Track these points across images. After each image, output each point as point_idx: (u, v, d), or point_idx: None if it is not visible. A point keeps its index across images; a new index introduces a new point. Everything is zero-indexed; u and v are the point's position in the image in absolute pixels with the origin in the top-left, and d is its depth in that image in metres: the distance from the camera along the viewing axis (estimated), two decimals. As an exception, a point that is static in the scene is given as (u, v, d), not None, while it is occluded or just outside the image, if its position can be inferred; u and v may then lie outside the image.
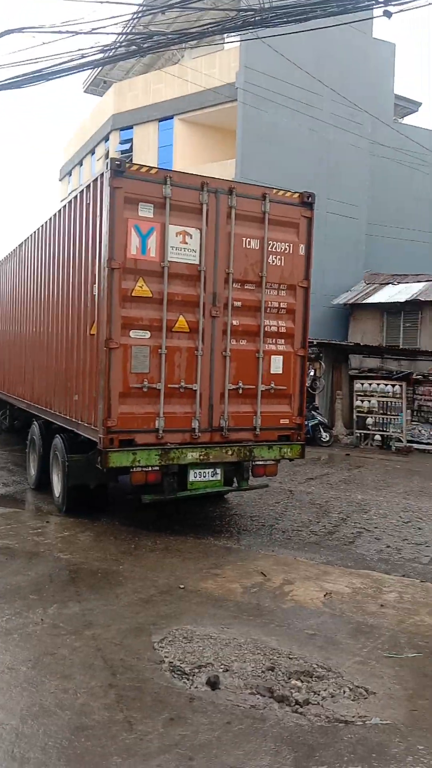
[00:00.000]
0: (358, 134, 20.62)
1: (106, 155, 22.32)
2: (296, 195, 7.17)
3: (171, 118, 20.99)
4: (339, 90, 18.76)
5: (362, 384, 15.80)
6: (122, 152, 22.02)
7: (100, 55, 8.48)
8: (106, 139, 23.37)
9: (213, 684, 3.86)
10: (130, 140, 22.37)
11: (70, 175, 28.69)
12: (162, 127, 21.27)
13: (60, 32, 7.85)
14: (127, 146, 22.43)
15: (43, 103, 69.73)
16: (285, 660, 4.21)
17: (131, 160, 18.73)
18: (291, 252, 7.14)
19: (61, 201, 26.73)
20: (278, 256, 7.07)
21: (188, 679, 3.93)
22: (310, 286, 7.31)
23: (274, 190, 7.11)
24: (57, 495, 7.90)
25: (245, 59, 18.19)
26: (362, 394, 15.67)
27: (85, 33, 7.62)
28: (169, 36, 8.46)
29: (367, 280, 21.02)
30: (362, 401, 15.64)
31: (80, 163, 27.09)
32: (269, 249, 7.00)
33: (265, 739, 3.35)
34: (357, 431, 15.73)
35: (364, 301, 19.41)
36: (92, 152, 25.35)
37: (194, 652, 4.26)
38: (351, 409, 16.13)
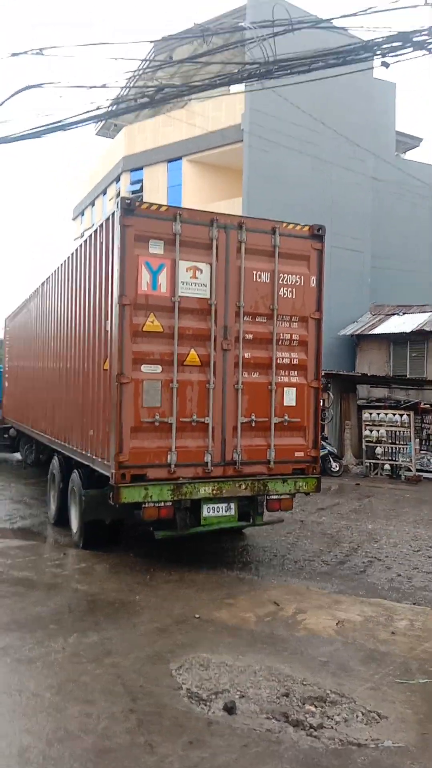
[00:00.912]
0: (360, 171, 21.21)
1: (117, 195, 23.03)
2: (306, 228, 7.17)
3: (179, 159, 21.72)
4: (341, 129, 19.39)
5: (370, 414, 15.93)
6: (133, 192, 22.71)
7: (114, 107, 8.98)
8: (117, 179, 24.14)
9: (230, 709, 3.99)
10: (141, 181, 23.10)
11: (83, 214, 29.49)
12: (171, 167, 21.99)
13: (76, 86, 8.35)
14: (137, 186, 23.15)
15: (57, 144, 71.89)
16: (299, 686, 4.34)
17: (141, 199, 19.36)
18: (302, 284, 7.16)
19: (75, 239, 27.49)
20: (289, 289, 7.10)
21: (206, 705, 4.06)
22: (323, 318, 7.32)
23: (284, 224, 7.09)
24: (75, 530, 7.98)
25: (250, 102, 18.90)
26: (371, 423, 15.80)
27: (99, 87, 8.09)
28: (179, 88, 8.95)
29: (372, 311, 21.36)
30: (371, 431, 15.75)
31: (92, 203, 27.89)
32: (280, 282, 7.03)
33: (281, 761, 3.48)
34: (366, 461, 15.82)
35: (370, 332, 19.72)
36: (104, 192, 26.13)
37: (211, 678, 4.40)
38: (360, 439, 16.24)
